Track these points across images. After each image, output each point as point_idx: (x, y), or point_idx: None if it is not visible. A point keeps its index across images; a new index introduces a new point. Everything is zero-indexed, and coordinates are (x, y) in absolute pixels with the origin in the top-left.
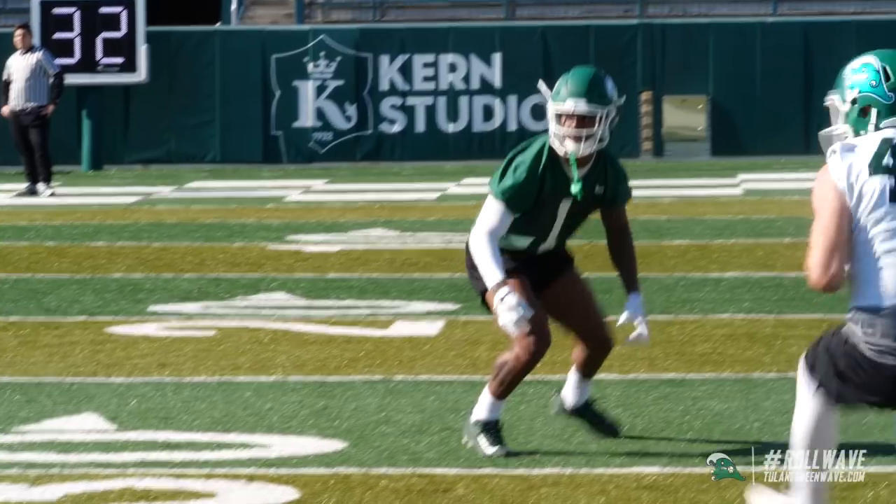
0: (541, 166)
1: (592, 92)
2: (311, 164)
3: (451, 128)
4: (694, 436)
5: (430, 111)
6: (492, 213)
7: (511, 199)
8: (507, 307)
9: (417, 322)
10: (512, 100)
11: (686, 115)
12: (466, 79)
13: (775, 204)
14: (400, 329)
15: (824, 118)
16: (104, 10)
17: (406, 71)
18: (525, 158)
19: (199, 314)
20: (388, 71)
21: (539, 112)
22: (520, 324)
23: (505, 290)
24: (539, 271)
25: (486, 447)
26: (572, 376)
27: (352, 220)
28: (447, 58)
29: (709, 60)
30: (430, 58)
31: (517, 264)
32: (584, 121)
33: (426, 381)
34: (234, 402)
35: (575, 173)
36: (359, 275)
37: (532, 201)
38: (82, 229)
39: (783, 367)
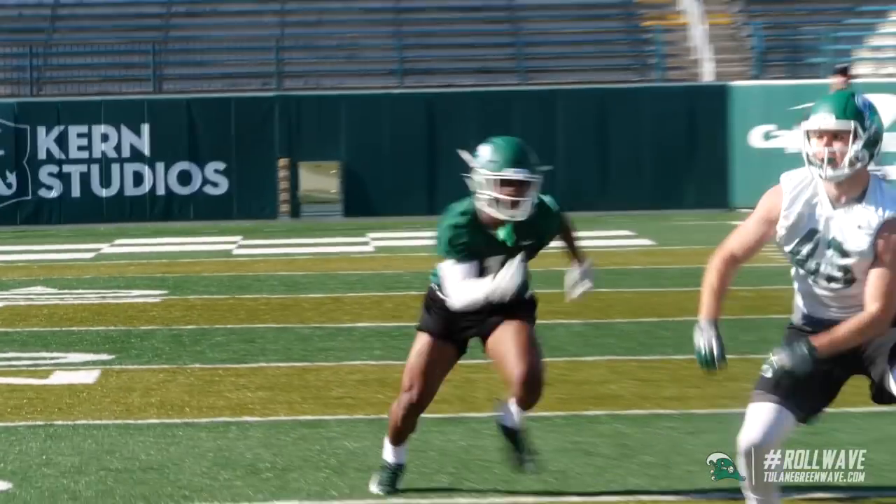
0: (465, 221)
1: (527, 160)
2: None
3: (104, 193)
4: (330, 472)
5: (85, 178)
6: (453, 271)
7: (453, 249)
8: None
9: (75, 371)
10: (160, 166)
11: (320, 180)
12: (118, 148)
13: (403, 260)
14: (59, 378)
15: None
16: None
17: (62, 141)
18: (449, 216)
19: None
20: (45, 141)
21: (185, 177)
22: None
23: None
24: (484, 319)
25: (372, 483)
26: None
27: (13, 279)
28: (100, 128)
29: (341, 129)
30: (84, 129)
31: (446, 315)
32: (522, 187)
33: (84, 426)
34: None
35: (508, 227)
36: (20, 329)
37: (471, 244)
38: None
39: None
